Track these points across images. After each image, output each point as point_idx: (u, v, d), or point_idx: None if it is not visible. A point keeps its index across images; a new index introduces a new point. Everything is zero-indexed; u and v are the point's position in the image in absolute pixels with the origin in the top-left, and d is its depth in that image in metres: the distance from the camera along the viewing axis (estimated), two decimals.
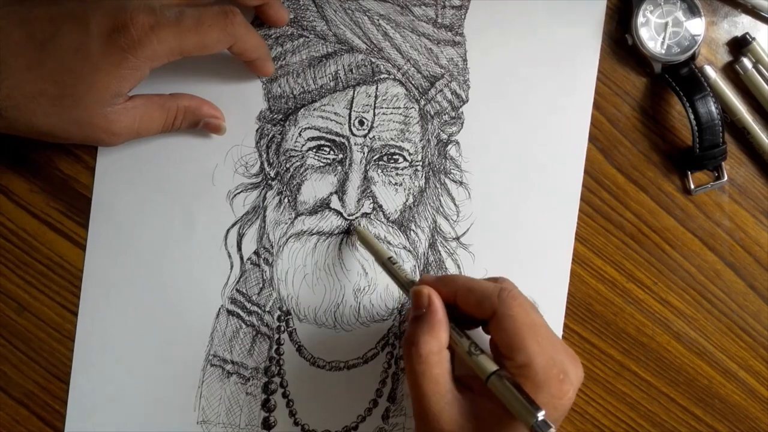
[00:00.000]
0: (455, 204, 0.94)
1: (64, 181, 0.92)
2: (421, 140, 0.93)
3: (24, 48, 0.79)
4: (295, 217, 0.92)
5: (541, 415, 0.71)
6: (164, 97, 0.89)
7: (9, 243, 0.92)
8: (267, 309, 0.93)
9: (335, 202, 0.92)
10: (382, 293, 0.93)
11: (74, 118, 0.81)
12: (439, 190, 0.94)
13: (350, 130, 0.92)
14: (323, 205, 0.92)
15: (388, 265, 0.87)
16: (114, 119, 0.83)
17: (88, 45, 0.79)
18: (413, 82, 0.93)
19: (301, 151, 0.92)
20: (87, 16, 0.79)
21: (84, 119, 0.82)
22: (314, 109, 0.92)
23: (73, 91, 0.80)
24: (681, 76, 0.94)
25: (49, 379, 0.92)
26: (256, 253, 0.93)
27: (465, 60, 0.94)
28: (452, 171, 0.94)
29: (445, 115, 0.93)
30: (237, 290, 0.93)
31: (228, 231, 0.92)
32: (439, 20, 0.93)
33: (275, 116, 0.92)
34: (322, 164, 0.92)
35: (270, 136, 0.93)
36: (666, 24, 0.93)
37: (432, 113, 0.93)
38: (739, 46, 0.96)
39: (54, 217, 0.92)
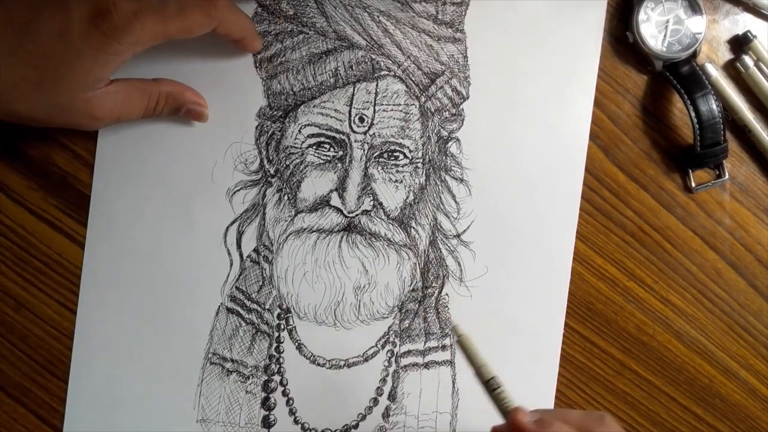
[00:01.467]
0: (456, 201, 0.94)
1: (62, 178, 0.92)
2: (421, 137, 0.93)
3: (2, 33, 0.79)
4: (295, 215, 0.92)
5: None
6: (146, 81, 0.88)
7: (7, 240, 0.92)
8: (267, 307, 0.93)
9: (335, 200, 0.92)
10: (383, 291, 0.93)
11: (55, 103, 0.81)
12: (440, 187, 0.93)
13: (350, 127, 0.92)
14: (323, 203, 0.92)
15: (491, 385, 0.81)
16: (95, 103, 0.83)
17: (70, 30, 0.78)
18: (414, 79, 0.93)
19: (300, 148, 0.92)
20: (67, 1, 0.79)
21: (65, 104, 0.82)
22: (314, 106, 0.92)
23: (54, 76, 0.80)
24: (682, 74, 0.93)
25: (47, 376, 0.92)
26: (255, 250, 0.92)
27: (465, 57, 0.93)
28: (453, 168, 0.94)
29: (445, 112, 0.93)
30: (237, 288, 0.92)
31: (227, 228, 0.92)
32: (440, 17, 0.93)
33: (275, 113, 0.92)
34: (322, 161, 0.92)
35: (270, 133, 0.92)
36: (667, 21, 0.93)
37: (432, 110, 0.93)
38: (740, 44, 0.96)
39: (52, 214, 0.92)
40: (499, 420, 0.79)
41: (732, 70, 0.97)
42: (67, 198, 0.92)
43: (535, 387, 0.94)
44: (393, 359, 0.94)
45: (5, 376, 0.92)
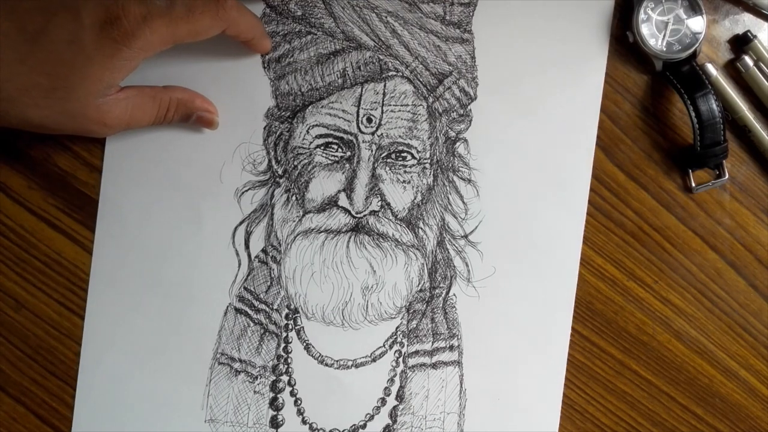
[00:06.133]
0: (463, 202, 0.94)
1: (62, 178, 0.92)
2: (429, 138, 0.93)
3: (14, 40, 0.79)
4: (303, 215, 0.92)
5: None
6: (157, 88, 0.89)
7: (7, 240, 0.91)
8: (275, 307, 0.93)
9: (343, 200, 0.92)
10: (390, 291, 0.93)
11: (66, 109, 0.81)
12: (448, 187, 0.93)
13: (358, 127, 0.92)
14: (331, 203, 0.92)
15: None
16: (106, 110, 0.83)
17: (81, 37, 0.79)
18: (421, 80, 0.93)
19: (308, 148, 0.92)
20: (78, 7, 0.79)
21: (76, 111, 0.82)
22: (322, 107, 0.92)
23: (65, 83, 0.80)
24: (682, 74, 0.94)
25: (47, 376, 0.92)
26: (263, 251, 0.92)
27: (473, 57, 0.93)
28: (460, 168, 0.94)
29: (453, 112, 0.93)
30: (245, 288, 0.92)
31: (236, 229, 0.92)
32: (448, 17, 0.93)
33: (283, 113, 0.92)
34: (330, 162, 0.92)
35: (278, 133, 0.92)
36: (667, 21, 0.93)
37: (440, 110, 0.93)
38: (741, 43, 0.96)
39: (52, 214, 0.92)
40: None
41: (732, 69, 0.97)
42: (67, 198, 0.92)
43: (541, 387, 0.95)
44: (401, 359, 0.94)
45: (5, 376, 0.92)
